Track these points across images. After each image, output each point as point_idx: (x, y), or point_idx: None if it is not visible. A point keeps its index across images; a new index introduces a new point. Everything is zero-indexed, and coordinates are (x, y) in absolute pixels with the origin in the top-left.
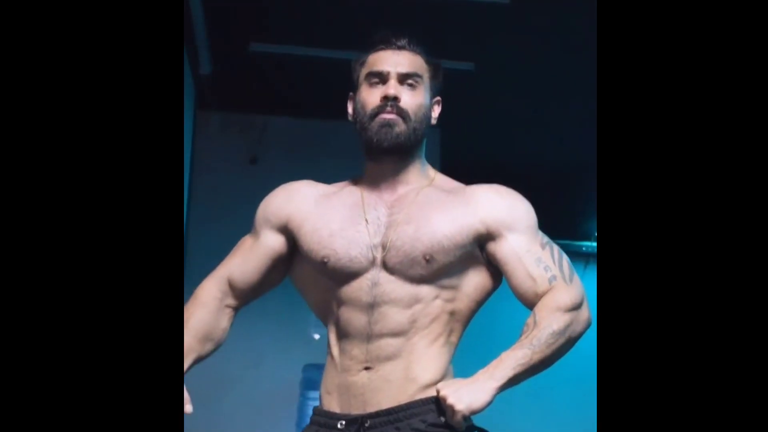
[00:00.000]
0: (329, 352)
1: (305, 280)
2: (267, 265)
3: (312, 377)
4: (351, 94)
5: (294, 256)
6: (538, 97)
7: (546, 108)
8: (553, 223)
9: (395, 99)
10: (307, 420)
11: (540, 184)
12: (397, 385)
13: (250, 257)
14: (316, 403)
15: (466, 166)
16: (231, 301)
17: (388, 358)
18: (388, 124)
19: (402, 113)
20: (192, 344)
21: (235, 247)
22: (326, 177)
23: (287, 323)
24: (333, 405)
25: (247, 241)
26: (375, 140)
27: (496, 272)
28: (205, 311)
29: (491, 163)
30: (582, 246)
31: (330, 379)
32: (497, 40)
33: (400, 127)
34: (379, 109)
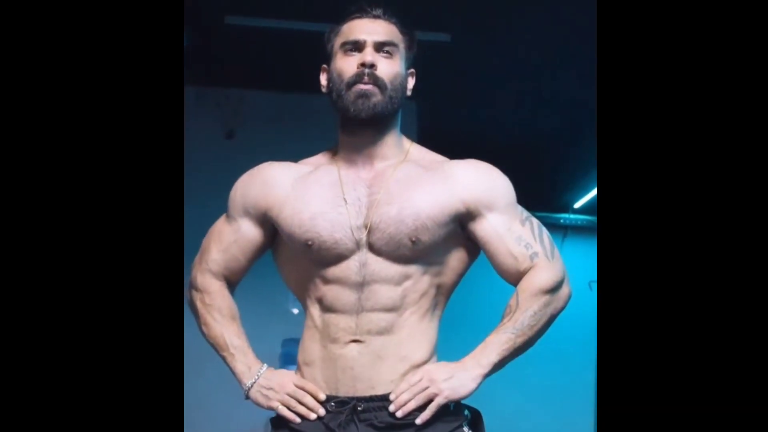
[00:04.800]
0: (309, 325)
1: (287, 261)
2: (253, 255)
3: (291, 352)
4: (324, 66)
5: (275, 239)
6: (514, 69)
7: (523, 80)
8: (531, 196)
9: (372, 66)
10: None
11: (517, 156)
12: (389, 364)
13: (236, 252)
14: None
15: (443, 139)
16: (229, 286)
17: (380, 332)
18: (365, 95)
19: (378, 82)
20: (235, 327)
21: (215, 235)
22: (303, 150)
23: (265, 298)
24: (316, 377)
25: (227, 231)
26: (352, 110)
27: (473, 247)
28: (226, 296)
29: (468, 135)
30: (560, 218)
31: (311, 350)
32: (474, 12)
33: (377, 97)
34: (356, 78)
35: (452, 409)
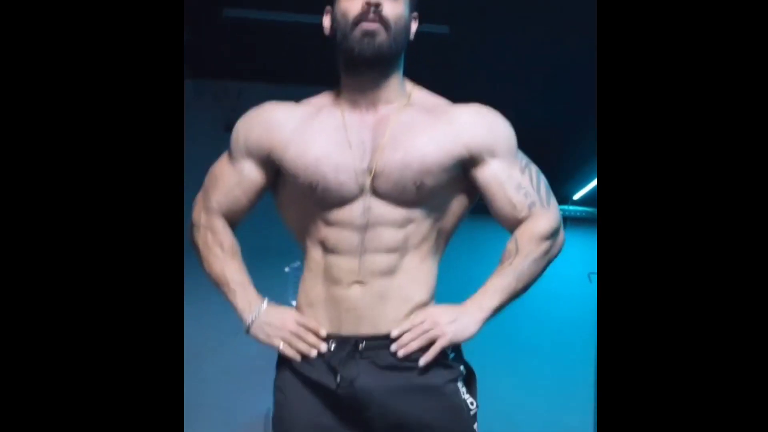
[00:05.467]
0: (310, 267)
1: (289, 202)
2: (255, 196)
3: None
4: (327, 7)
5: (277, 180)
6: (513, 61)
7: (521, 71)
8: None
9: (377, 5)
10: None
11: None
12: (392, 305)
13: (238, 194)
14: None
15: None
16: (230, 226)
17: (382, 273)
18: (371, 33)
19: (384, 21)
20: (237, 263)
21: (217, 175)
22: None
23: (267, 291)
24: (319, 318)
25: (228, 173)
26: (357, 50)
27: (472, 191)
28: (228, 234)
29: None
30: (560, 210)
31: (313, 291)
32: (472, 3)
33: (382, 36)
34: (362, 17)
35: (450, 360)
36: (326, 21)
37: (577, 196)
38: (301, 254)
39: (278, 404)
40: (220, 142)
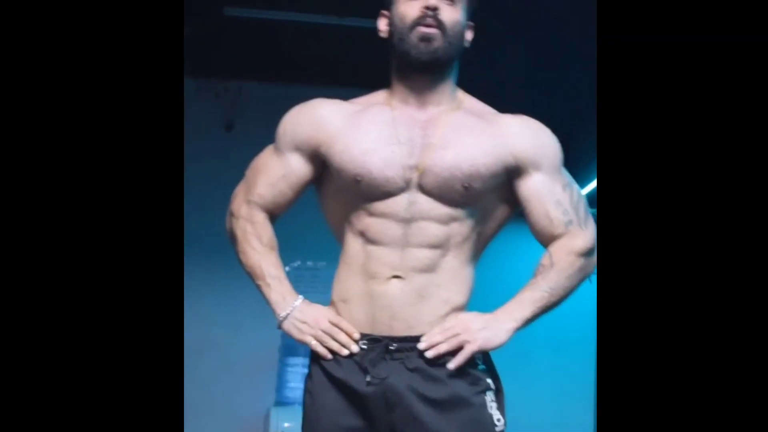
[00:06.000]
0: (347, 261)
1: (332, 195)
2: (300, 189)
3: (291, 343)
4: (383, 11)
5: (323, 174)
6: (508, 64)
7: (515, 76)
8: None
9: (435, 9)
10: (287, 385)
11: None
12: (430, 305)
13: (284, 187)
14: (295, 369)
15: None
16: (271, 219)
17: (423, 270)
18: (428, 38)
19: (441, 26)
20: (273, 256)
21: (261, 167)
22: None
23: None
24: (354, 314)
25: (274, 166)
26: (413, 53)
27: (514, 201)
28: (268, 227)
29: None
30: None
31: (348, 286)
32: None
33: (439, 41)
34: (419, 21)
35: (480, 371)
36: (382, 24)
37: None
38: (303, 254)
39: (306, 406)
40: (220, 141)
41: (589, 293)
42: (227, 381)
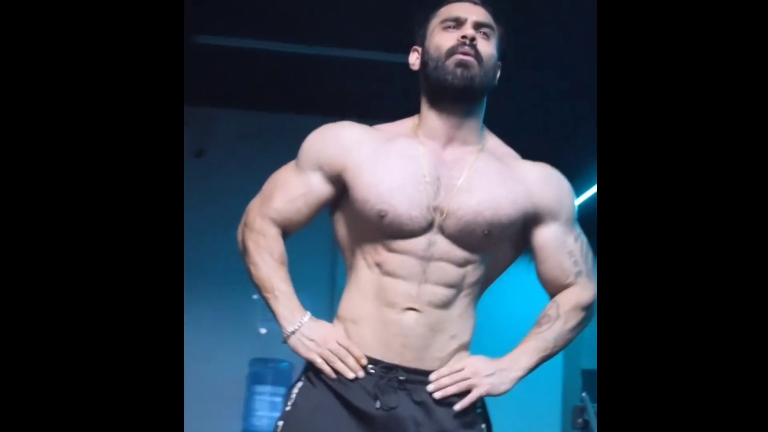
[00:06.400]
0: (359, 285)
1: (349, 222)
2: (317, 209)
3: (259, 371)
4: (415, 47)
5: (341, 199)
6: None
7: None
8: None
9: (473, 39)
10: (255, 414)
11: None
12: (440, 340)
13: (301, 205)
14: (263, 398)
15: None
16: (284, 235)
17: (438, 305)
18: (465, 64)
19: (478, 56)
20: (284, 271)
21: (281, 183)
22: (272, 169)
23: (234, 318)
24: (365, 336)
25: (294, 183)
26: (450, 79)
27: (522, 245)
28: (280, 243)
29: None
30: None
31: (361, 308)
32: None
33: (475, 69)
34: (457, 48)
35: (477, 414)
36: (413, 57)
37: None
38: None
39: (303, 395)
40: (190, 167)
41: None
42: (194, 409)
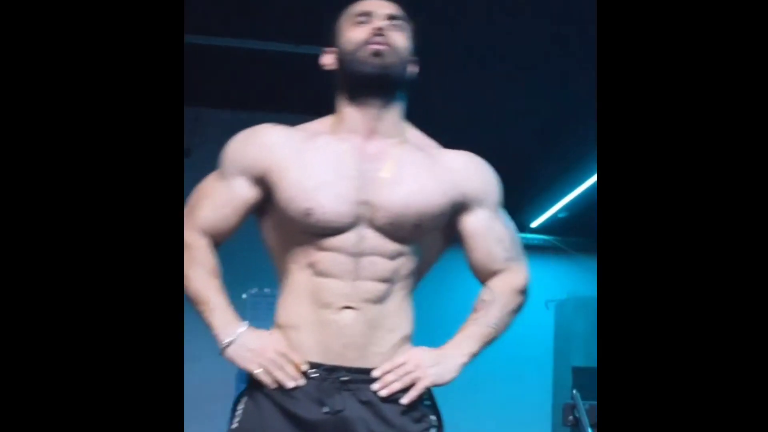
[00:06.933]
0: (294, 288)
1: (275, 225)
2: (242, 216)
3: (246, 372)
4: (326, 48)
5: (266, 202)
6: (465, 87)
7: (482, 106)
8: None
9: (384, 30)
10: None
11: None
12: (380, 335)
13: (228, 212)
14: None
15: None
16: (213, 245)
17: (373, 301)
18: (379, 53)
19: (392, 45)
20: (217, 283)
21: (206, 192)
22: None
23: None
24: (305, 341)
25: (219, 190)
26: (365, 69)
27: (451, 234)
28: (210, 254)
29: None
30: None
31: (298, 313)
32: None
33: (389, 57)
34: (370, 39)
35: (425, 407)
36: (328, 58)
37: (534, 224)
38: (260, 281)
39: (246, 414)
40: None
41: (546, 321)
42: (185, 408)
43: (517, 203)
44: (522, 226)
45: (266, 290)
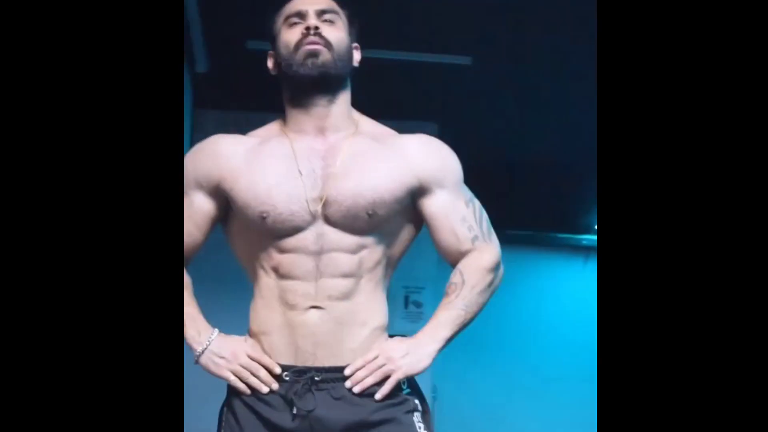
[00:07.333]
0: (262, 294)
1: (238, 232)
2: (207, 228)
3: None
4: (270, 52)
5: (228, 212)
6: (537, 91)
7: (545, 101)
8: (554, 217)
9: (316, 27)
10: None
11: (539, 177)
12: (350, 331)
13: (190, 227)
14: None
15: (466, 159)
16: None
17: (339, 298)
18: (313, 53)
19: (326, 42)
20: (187, 294)
21: None
22: None
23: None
24: (275, 345)
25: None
26: (302, 71)
27: (419, 220)
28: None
29: (491, 156)
30: (582, 239)
31: (267, 318)
32: (495, 34)
33: (325, 56)
34: (302, 41)
35: (405, 393)
36: (270, 63)
37: None
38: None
39: (228, 426)
40: None
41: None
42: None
43: (583, 204)
44: (587, 228)
45: None
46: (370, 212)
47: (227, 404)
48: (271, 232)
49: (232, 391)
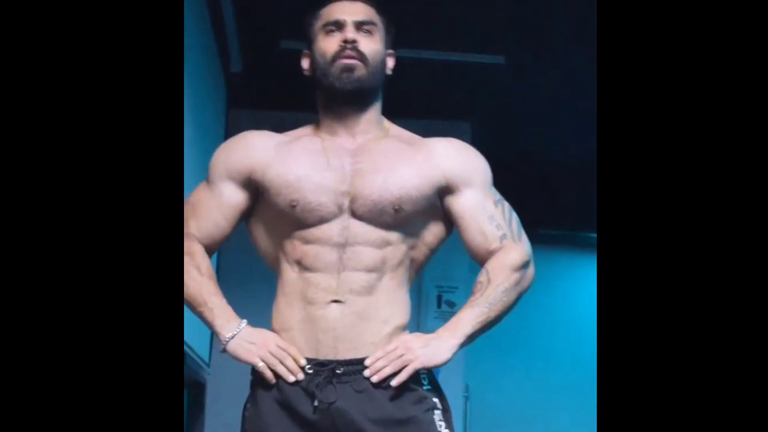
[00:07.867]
0: (285, 290)
1: (265, 225)
2: (235, 219)
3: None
4: (305, 51)
5: (255, 207)
6: (567, 90)
7: (574, 100)
8: (588, 216)
9: (354, 41)
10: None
11: (573, 176)
12: (371, 326)
13: (218, 218)
14: None
15: (499, 159)
16: (208, 253)
17: (361, 292)
18: (350, 68)
19: (361, 57)
20: (214, 284)
21: (195, 202)
22: None
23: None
24: (297, 340)
25: (208, 197)
26: (337, 84)
27: (450, 222)
28: (206, 258)
29: (524, 155)
30: None
31: (289, 315)
32: (528, 33)
33: (361, 71)
34: (340, 53)
35: (426, 390)
36: (305, 63)
37: None
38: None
39: (249, 421)
40: None
41: None
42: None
43: None
44: None
45: None
46: (397, 207)
47: (250, 399)
48: (299, 222)
49: (255, 385)
